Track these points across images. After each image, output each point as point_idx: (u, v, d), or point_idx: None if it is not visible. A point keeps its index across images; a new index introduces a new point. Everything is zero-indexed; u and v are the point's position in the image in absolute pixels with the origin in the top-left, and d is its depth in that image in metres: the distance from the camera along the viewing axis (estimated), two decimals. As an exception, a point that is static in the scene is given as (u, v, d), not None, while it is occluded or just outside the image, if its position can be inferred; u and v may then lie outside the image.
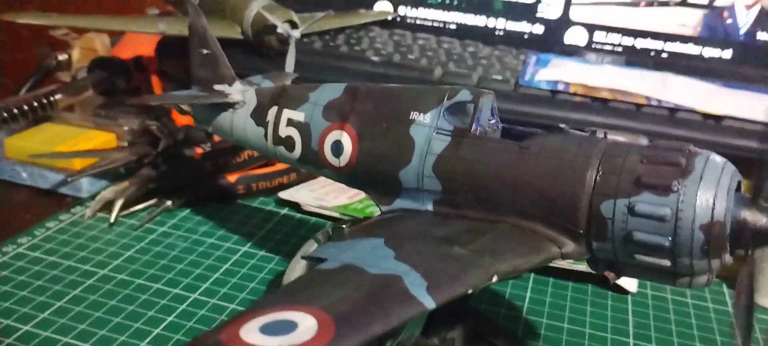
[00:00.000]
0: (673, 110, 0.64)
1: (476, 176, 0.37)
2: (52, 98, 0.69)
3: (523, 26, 0.86)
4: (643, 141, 0.55)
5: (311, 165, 0.44)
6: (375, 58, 0.71)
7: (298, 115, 0.44)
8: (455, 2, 0.88)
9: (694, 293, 0.56)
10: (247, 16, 0.68)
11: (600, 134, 0.36)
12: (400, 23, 0.87)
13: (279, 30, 0.68)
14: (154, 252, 0.56)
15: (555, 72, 0.70)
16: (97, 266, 0.53)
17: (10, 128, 0.70)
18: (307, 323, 0.24)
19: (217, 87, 0.49)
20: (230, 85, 0.49)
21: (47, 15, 0.61)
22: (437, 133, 0.38)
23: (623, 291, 0.55)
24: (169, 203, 0.61)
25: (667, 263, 0.32)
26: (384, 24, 0.87)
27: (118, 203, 0.59)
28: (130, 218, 0.60)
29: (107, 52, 0.80)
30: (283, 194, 0.65)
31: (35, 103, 0.68)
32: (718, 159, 0.32)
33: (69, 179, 0.60)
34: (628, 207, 0.32)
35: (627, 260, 0.34)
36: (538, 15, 0.86)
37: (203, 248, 0.57)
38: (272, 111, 0.46)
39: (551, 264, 0.54)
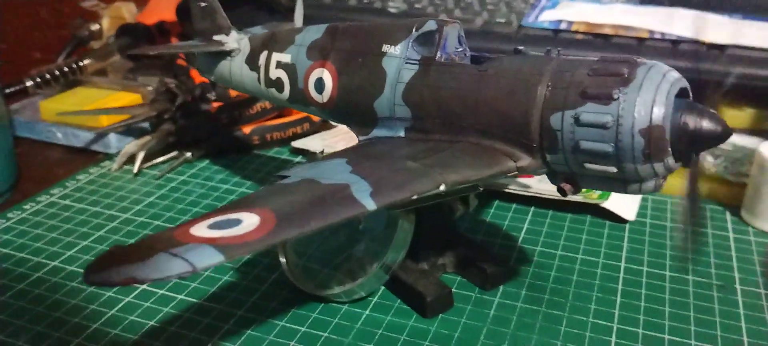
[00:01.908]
0: (676, 42, 0.64)
1: (441, 101, 0.39)
2: (80, 63, 0.73)
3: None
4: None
5: (300, 103, 0.47)
6: (390, 8, 0.72)
7: (285, 57, 0.47)
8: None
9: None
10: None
11: (555, 54, 0.38)
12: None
13: (287, -14, 0.70)
14: (173, 198, 0.60)
15: (560, 12, 0.70)
16: (121, 210, 0.58)
17: (46, 93, 0.75)
18: (250, 220, 0.27)
19: (215, 37, 0.52)
20: (227, 34, 0.52)
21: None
22: (406, 63, 0.41)
23: (621, 220, 0.56)
24: (188, 154, 0.65)
25: (613, 169, 0.34)
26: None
27: (140, 155, 0.63)
28: (153, 169, 0.65)
29: (134, 19, 0.84)
30: (297, 143, 0.68)
31: (66, 69, 0.73)
32: (660, 67, 0.33)
33: (106, 152, 0.65)
34: (575, 117, 0.34)
35: (579, 170, 0.35)
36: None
37: (219, 193, 0.61)
38: (263, 55, 0.48)
39: (547, 196, 0.57)
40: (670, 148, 0.33)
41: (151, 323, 0.43)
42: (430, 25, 0.40)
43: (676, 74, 0.33)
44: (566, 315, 0.45)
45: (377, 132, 0.42)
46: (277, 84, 0.47)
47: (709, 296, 0.47)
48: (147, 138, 0.65)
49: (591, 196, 0.57)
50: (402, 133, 0.41)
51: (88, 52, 0.77)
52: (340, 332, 0.42)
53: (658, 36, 0.65)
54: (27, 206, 0.58)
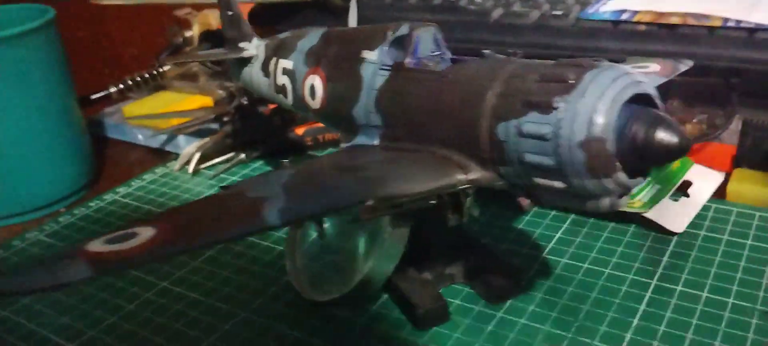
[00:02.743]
0: (753, 31, 0.56)
1: (406, 108, 0.37)
2: (161, 69, 0.79)
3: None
4: (683, 66, 0.51)
5: (301, 109, 0.47)
6: (452, 4, 0.71)
7: (289, 64, 0.47)
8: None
9: (760, 237, 0.50)
10: (314, -24, 0.72)
11: (517, 56, 0.35)
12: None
13: (341, -13, 0.71)
14: (220, 198, 0.63)
15: (627, 1, 0.65)
16: (171, 209, 0.61)
17: (135, 96, 0.82)
18: (146, 234, 0.28)
19: (240, 44, 0.54)
20: (250, 42, 0.53)
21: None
22: (380, 69, 0.39)
23: (669, 232, 0.51)
24: (242, 155, 0.68)
25: (560, 184, 0.30)
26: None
27: (196, 157, 0.67)
28: (211, 169, 0.68)
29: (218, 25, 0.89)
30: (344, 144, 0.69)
31: (147, 75, 0.78)
32: (613, 71, 0.29)
33: (160, 146, 0.70)
34: (517, 128, 0.31)
35: (531, 184, 0.32)
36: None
37: (263, 194, 0.63)
38: (273, 61, 0.49)
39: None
40: (617, 163, 0.29)
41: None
42: (403, 30, 0.39)
43: (631, 79, 0.29)
44: (570, 335, 0.42)
45: (359, 139, 0.41)
46: (283, 90, 0.48)
47: (746, 323, 0.42)
48: (206, 140, 0.69)
49: (633, 204, 0.52)
50: (377, 141, 0.40)
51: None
52: (330, 337, 0.42)
53: (732, 24, 0.57)
54: (92, 204, 0.63)
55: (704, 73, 0.60)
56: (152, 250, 0.26)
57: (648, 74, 0.50)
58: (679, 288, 0.45)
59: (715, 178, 0.57)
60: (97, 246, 0.27)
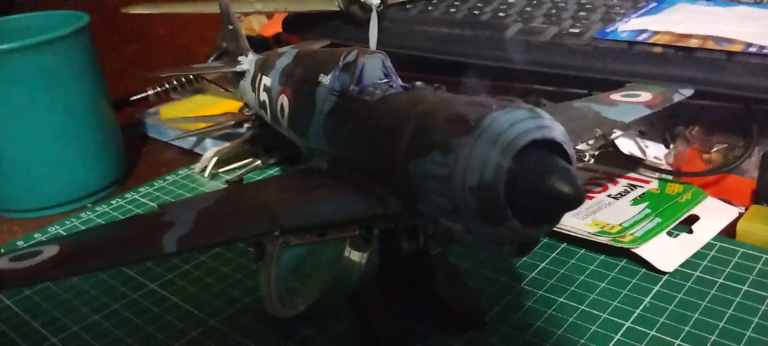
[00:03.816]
0: (775, 58, 0.52)
1: (343, 136, 0.37)
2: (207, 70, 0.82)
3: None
4: (680, 96, 0.48)
5: (277, 126, 0.48)
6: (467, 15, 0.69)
7: (268, 81, 0.48)
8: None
9: (759, 282, 0.46)
10: (338, -14, 0.73)
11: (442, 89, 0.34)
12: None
13: (362, 0, 0.71)
14: (229, 203, 0.65)
15: (649, 20, 0.61)
16: (182, 212, 0.64)
17: (175, 98, 0.86)
18: (49, 253, 0.29)
19: (239, 58, 0.55)
20: (246, 56, 0.55)
21: (155, 4, 0.74)
22: (330, 94, 0.40)
23: (658, 271, 0.48)
24: (258, 162, 0.70)
25: (460, 227, 0.30)
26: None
27: (213, 161, 0.70)
28: (229, 173, 0.71)
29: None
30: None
31: (183, 79, 0.82)
32: (514, 115, 0.28)
33: (171, 141, 0.73)
34: (423, 167, 0.30)
35: (439, 223, 0.31)
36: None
37: (269, 201, 0.64)
38: (258, 78, 0.51)
39: (575, 233, 0.51)
40: (509, 212, 0.28)
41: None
42: (351, 56, 0.39)
43: (534, 123, 0.28)
44: (521, 374, 0.41)
45: (313, 162, 0.41)
46: (264, 106, 0.49)
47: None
48: (225, 145, 0.71)
49: (623, 238, 0.50)
50: (325, 166, 0.40)
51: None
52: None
53: (754, 50, 0.53)
54: (114, 202, 0.67)
55: (726, 99, 0.56)
56: (44, 270, 0.28)
57: (636, 104, 0.48)
58: (653, 333, 0.43)
59: (728, 214, 0.53)
60: (3, 263, 0.29)
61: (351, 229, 0.35)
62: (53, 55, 0.63)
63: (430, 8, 0.77)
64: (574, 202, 0.27)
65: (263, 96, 0.49)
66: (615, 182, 0.58)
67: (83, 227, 0.62)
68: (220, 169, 0.71)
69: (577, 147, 0.57)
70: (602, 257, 0.51)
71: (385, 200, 0.33)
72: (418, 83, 0.36)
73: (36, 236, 0.61)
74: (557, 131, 0.29)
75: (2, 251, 0.56)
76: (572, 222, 0.52)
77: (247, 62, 0.54)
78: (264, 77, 0.49)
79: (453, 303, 0.43)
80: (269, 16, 0.95)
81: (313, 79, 0.42)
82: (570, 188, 0.27)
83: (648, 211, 0.52)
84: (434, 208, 0.31)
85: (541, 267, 0.50)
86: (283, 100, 0.45)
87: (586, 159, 0.56)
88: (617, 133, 0.64)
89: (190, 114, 0.79)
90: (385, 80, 0.38)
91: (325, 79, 0.40)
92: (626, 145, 0.63)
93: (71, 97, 0.65)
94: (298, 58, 0.45)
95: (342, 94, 0.39)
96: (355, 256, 0.42)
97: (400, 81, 0.39)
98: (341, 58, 0.39)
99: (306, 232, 0.33)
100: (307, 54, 0.45)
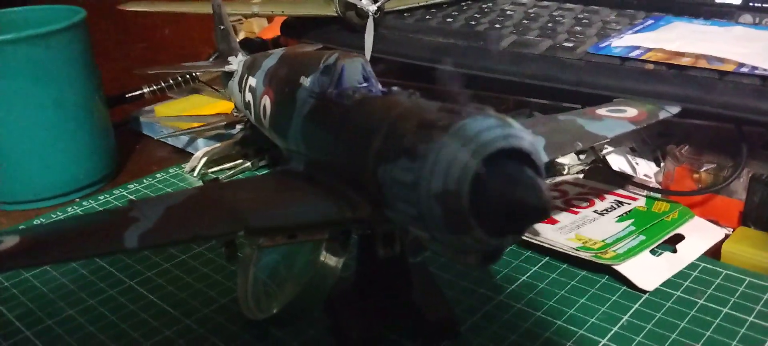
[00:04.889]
0: (766, 79, 0.52)
1: (318, 138, 0.37)
2: (193, 73, 0.82)
3: (666, -14, 0.75)
4: (665, 113, 0.47)
5: (260, 127, 0.48)
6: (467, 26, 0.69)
7: (253, 81, 0.48)
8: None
9: (740, 305, 0.46)
10: (335, -8, 0.73)
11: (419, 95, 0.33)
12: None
13: (358, 5, 0.71)
14: (216, 203, 0.64)
15: (643, 37, 0.61)
16: (168, 210, 0.64)
17: (172, 97, 0.86)
18: (10, 242, 0.29)
19: (229, 58, 0.55)
20: (236, 56, 0.54)
21: (152, 3, 0.74)
22: (309, 96, 0.39)
23: (638, 289, 0.48)
24: (248, 163, 0.70)
25: (426, 235, 0.29)
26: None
27: (202, 160, 0.70)
28: (220, 174, 0.70)
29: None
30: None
31: (179, 78, 0.82)
32: (482, 122, 0.28)
33: (163, 138, 0.73)
34: (391, 173, 0.30)
35: (407, 230, 0.31)
36: (685, -28, 0.74)
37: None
38: (245, 78, 0.50)
39: (556, 247, 0.50)
40: (473, 220, 0.27)
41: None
42: (331, 59, 0.38)
43: (502, 131, 0.28)
44: (492, 387, 0.40)
45: (291, 165, 0.41)
46: (249, 107, 0.49)
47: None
48: (215, 145, 0.71)
49: (604, 254, 0.49)
50: (302, 168, 0.40)
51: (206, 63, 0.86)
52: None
53: (746, 70, 0.53)
54: (101, 197, 0.67)
55: (717, 119, 0.56)
56: (11, 257, 0.28)
57: (621, 119, 0.47)
58: (627, 352, 0.42)
59: (714, 234, 0.53)
60: (-36, 252, 0.29)
61: (320, 232, 0.35)
62: (46, 49, 0.63)
63: (427, 17, 0.77)
64: (540, 213, 0.26)
65: (248, 96, 0.49)
66: (602, 198, 0.57)
67: (68, 221, 0.62)
68: (210, 170, 0.70)
69: (559, 160, 0.57)
70: (584, 272, 0.50)
71: (355, 205, 0.33)
72: (395, 89, 0.35)
73: (21, 228, 0.61)
74: (526, 141, 0.28)
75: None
76: (554, 236, 0.51)
77: (236, 63, 0.54)
78: (250, 78, 0.49)
79: (428, 312, 0.43)
80: (269, 19, 0.95)
81: (294, 80, 0.41)
82: (536, 199, 0.26)
83: (632, 228, 0.52)
84: (401, 215, 0.30)
85: (521, 280, 0.50)
86: (266, 101, 0.45)
87: (565, 172, 0.56)
88: (608, 148, 0.63)
89: (184, 113, 0.79)
90: (365, 85, 0.38)
91: (306, 81, 0.40)
92: (617, 161, 0.63)
93: (63, 92, 0.65)
94: (283, 59, 0.45)
95: (320, 96, 0.38)
96: (331, 260, 0.42)
97: (379, 86, 0.38)
98: (322, 61, 0.39)
99: (273, 233, 0.33)
100: (291, 56, 0.45)
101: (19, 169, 0.65)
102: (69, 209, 0.65)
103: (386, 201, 0.31)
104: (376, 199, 0.32)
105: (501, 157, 0.28)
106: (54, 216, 0.63)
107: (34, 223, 0.62)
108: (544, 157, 0.41)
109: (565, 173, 0.56)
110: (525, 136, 0.28)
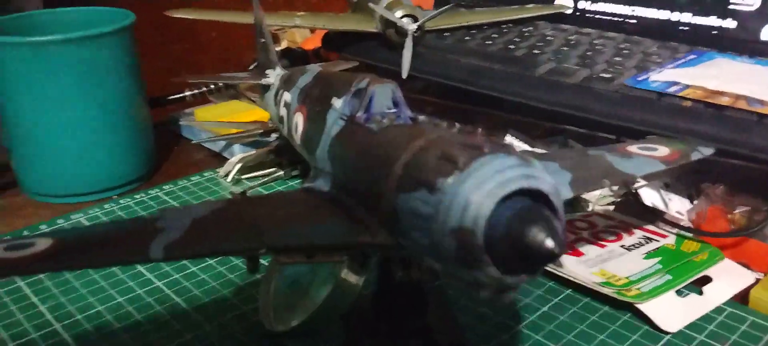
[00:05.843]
0: (807, 125, 0.51)
1: (345, 161, 0.38)
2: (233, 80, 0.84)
3: (711, 21, 0.74)
4: (698, 154, 0.47)
5: (292, 141, 0.49)
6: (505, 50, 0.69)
7: (288, 97, 0.49)
8: (637, -7, 0.79)
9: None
10: (377, 9, 0.74)
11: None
12: (572, 18, 0.83)
13: (398, 23, 0.72)
14: (247, 210, 0.66)
15: (683, 73, 0.60)
16: (200, 214, 0.65)
17: (213, 101, 0.88)
18: (43, 245, 0.31)
19: (267, 71, 0.56)
20: (274, 69, 0.56)
21: (199, 12, 0.76)
22: (339, 118, 0.40)
23: (660, 330, 0.47)
24: (280, 172, 0.71)
25: (440, 267, 0.30)
26: (556, 19, 0.83)
27: (237, 166, 0.71)
28: (252, 180, 0.72)
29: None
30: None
31: (220, 84, 0.84)
32: (501, 161, 0.28)
33: (201, 142, 0.75)
34: (409, 203, 0.30)
35: (421, 259, 0.31)
36: (731, 7, 0.73)
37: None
38: (280, 93, 0.52)
39: (579, 280, 0.50)
40: (486, 257, 0.28)
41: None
42: (362, 83, 0.39)
43: (522, 171, 0.28)
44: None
45: (317, 183, 0.42)
46: (282, 121, 0.50)
47: None
48: (250, 152, 0.72)
49: (628, 292, 0.49)
50: (327, 188, 0.40)
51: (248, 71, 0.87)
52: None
53: (786, 114, 0.52)
54: (137, 196, 0.69)
55: (753, 161, 0.55)
56: (32, 263, 0.29)
57: (652, 158, 0.47)
58: (643, 395, 0.42)
59: (744, 279, 0.52)
60: (-3, 253, 0.30)
61: (338, 254, 0.35)
62: (93, 51, 0.65)
63: (466, 38, 0.77)
64: (554, 256, 0.26)
65: (282, 111, 0.50)
66: (631, 233, 0.57)
67: (105, 218, 0.64)
68: (244, 176, 0.72)
69: (585, 196, 0.56)
70: (606, 308, 0.50)
71: (373, 230, 0.34)
72: (422, 117, 0.36)
73: (59, 221, 0.63)
74: (545, 182, 0.28)
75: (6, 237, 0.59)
76: (578, 269, 0.51)
77: (273, 76, 0.55)
78: (285, 93, 0.50)
79: (440, 336, 0.43)
80: (312, 30, 0.96)
81: (326, 100, 0.42)
82: (551, 242, 0.26)
83: (659, 266, 0.51)
84: (416, 244, 0.31)
85: (541, 311, 0.50)
86: (299, 118, 0.46)
87: (589, 209, 0.55)
88: (641, 182, 0.63)
89: (222, 118, 0.80)
90: (394, 110, 0.39)
91: (337, 103, 0.41)
92: (649, 196, 0.62)
93: (108, 92, 0.67)
94: (317, 78, 0.46)
95: (350, 119, 0.39)
96: (351, 278, 0.42)
97: (408, 113, 0.39)
98: (354, 84, 0.40)
99: (292, 252, 0.34)
100: (325, 75, 0.45)
101: (62, 164, 0.67)
102: (106, 205, 0.67)
103: (403, 229, 0.32)
104: (393, 226, 0.32)
105: (519, 197, 0.28)
106: (92, 212, 0.65)
107: (72, 217, 0.64)
108: (569, 193, 0.41)
109: (589, 209, 0.55)
110: (544, 177, 0.29)
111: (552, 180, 0.29)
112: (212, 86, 0.85)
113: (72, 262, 0.30)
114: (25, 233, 0.62)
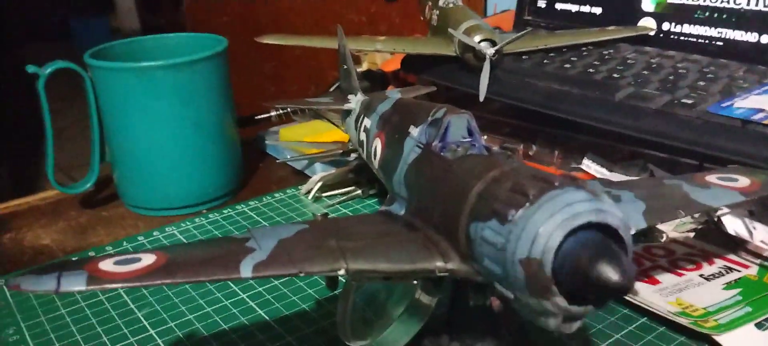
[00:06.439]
0: None
1: (420, 188, 0.39)
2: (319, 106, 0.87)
3: (805, 44, 0.72)
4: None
5: (371, 165, 0.51)
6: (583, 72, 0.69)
7: (368, 123, 0.52)
8: (724, 16, 0.78)
9: None
10: (456, 34, 0.75)
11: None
12: (655, 39, 0.82)
13: (477, 47, 0.73)
14: (327, 227, 0.69)
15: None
16: (283, 229, 0.69)
17: (296, 120, 0.92)
18: (148, 260, 0.34)
19: (349, 96, 0.59)
20: (355, 95, 0.58)
21: (286, 38, 0.80)
22: (416, 146, 0.42)
23: (736, 361, 0.46)
24: (359, 191, 0.74)
25: (509, 294, 0.31)
26: (639, 41, 0.83)
27: (318, 185, 0.74)
28: (331, 198, 0.75)
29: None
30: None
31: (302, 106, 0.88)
32: (571, 195, 0.29)
33: (286, 161, 0.79)
34: (482, 232, 0.32)
35: (493, 286, 0.33)
36: (828, 29, 0.70)
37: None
38: (361, 118, 0.54)
39: (654, 309, 0.50)
40: (554, 287, 0.29)
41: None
42: (439, 113, 0.41)
43: (592, 205, 0.29)
44: None
45: (393, 207, 0.44)
46: (362, 145, 0.53)
47: None
48: (331, 171, 0.75)
49: (705, 323, 0.48)
50: (402, 212, 0.42)
51: (330, 93, 0.91)
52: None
53: None
54: (225, 211, 0.73)
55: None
56: (139, 277, 0.32)
57: (731, 189, 0.46)
58: None
59: (831, 314, 0.50)
60: (106, 265, 0.34)
61: (413, 278, 0.37)
62: (191, 75, 0.70)
63: (545, 62, 0.78)
64: (620, 290, 0.27)
65: (362, 136, 0.52)
66: (711, 262, 0.56)
67: (195, 231, 0.69)
68: (324, 194, 0.75)
69: (659, 226, 0.56)
70: (681, 338, 0.49)
71: (447, 256, 0.35)
72: (495, 149, 0.37)
73: (154, 233, 0.68)
74: (614, 216, 0.29)
75: (111, 250, 0.63)
76: (654, 298, 0.51)
77: (355, 102, 0.58)
78: (365, 119, 0.52)
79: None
80: (392, 53, 0.99)
81: (404, 128, 0.44)
82: (618, 276, 0.27)
83: (739, 298, 0.50)
84: (487, 271, 0.32)
85: (614, 338, 0.50)
86: (377, 143, 0.48)
87: (663, 239, 0.55)
88: (724, 209, 0.61)
89: (305, 138, 0.84)
90: (468, 140, 0.40)
91: (415, 131, 0.43)
92: (733, 224, 0.61)
93: (202, 113, 0.72)
94: (396, 105, 0.48)
95: (426, 147, 0.41)
96: (424, 299, 0.44)
97: (483, 142, 0.40)
98: (431, 113, 0.42)
99: (369, 275, 0.36)
100: (404, 104, 0.48)
101: (159, 180, 0.72)
102: (197, 219, 0.71)
103: (475, 256, 0.33)
104: (466, 253, 0.34)
105: (588, 231, 0.29)
106: (183, 225, 0.70)
107: (167, 229, 0.69)
108: (643, 223, 0.41)
109: (663, 240, 0.55)
110: (614, 211, 0.29)
111: (621, 214, 0.30)
112: (289, 109, 0.89)
113: (175, 276, 0.33)
114: (125, 242, 0.67)
